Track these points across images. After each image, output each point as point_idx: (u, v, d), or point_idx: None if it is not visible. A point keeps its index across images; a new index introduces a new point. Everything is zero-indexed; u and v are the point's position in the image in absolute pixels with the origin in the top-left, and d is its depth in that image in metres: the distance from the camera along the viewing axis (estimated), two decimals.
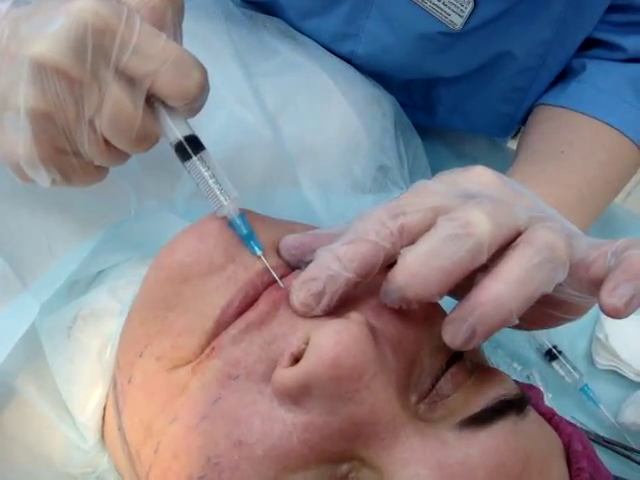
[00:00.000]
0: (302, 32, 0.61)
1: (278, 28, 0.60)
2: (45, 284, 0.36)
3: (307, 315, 0.29)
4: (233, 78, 0.49)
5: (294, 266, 0.33)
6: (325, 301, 0.28)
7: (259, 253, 0.32)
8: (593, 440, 0.57)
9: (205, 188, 0.33)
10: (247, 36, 0.55)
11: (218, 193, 0.32)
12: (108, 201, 0.40)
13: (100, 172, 0.35)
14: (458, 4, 0.52)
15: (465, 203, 0.28)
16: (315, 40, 0.61)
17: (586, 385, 0.61)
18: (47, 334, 0.35)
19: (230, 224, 0.32)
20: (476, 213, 0.27)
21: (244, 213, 0.33)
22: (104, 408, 0.35)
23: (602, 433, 0.60)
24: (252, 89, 0.49)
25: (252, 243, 0.32)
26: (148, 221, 0.40)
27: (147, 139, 0.33)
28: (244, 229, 0.32)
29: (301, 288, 0.28)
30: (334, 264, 0.28)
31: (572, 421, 0.36)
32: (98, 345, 0.35)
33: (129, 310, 0.34)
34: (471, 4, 0.51)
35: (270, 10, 0.62)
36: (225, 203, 0.32)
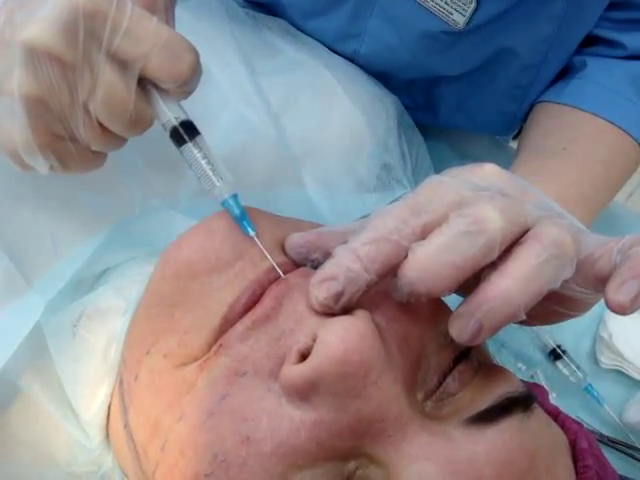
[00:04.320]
0: (305, 32, 0.61)
1: (281, 28, 0.60)
2: (50, 283, 0.36)
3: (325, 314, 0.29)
4: (237, 77, 0.49)
5: (299, 264, 0.33)
6: (344, 301, 0.28)
7: (252, 233, 0.32)
8: (597, 439, 0.57)
9: (198, 170, 0.33)
10: (250, 35, 0.55)
11: (211, 174, 0.33)
12: (113, 199, 0.40)
13: (98, 158, 0.35)
14: (460, 3, 0.52)
15: (478, 198, 0.28)
16: (318, 40, 0.61)
17: (590, 384, 0.61)
18: (52, 333, 0.35)
19: (223, 204, 0.32)
20: (489, 209, 0.27)
21: (237, 194, 0.33)
22: (109, 406, 0.35)
23: (606, 432, 0.60)
24: (256, 88, 0.49)
25: (245, 223, 0.32)
26: (153, 219, 0.40)
27: (141, 122, 0.33)
28: (236, 209, 0.32)
29: (320, 287, 0.28)
30: (354, 264, 0.27)
31: (577, 420, 0.36)
32: (103, 343, 0.35)
33: (135, 308, 0.34)
34: (473, 3, 0.52)
35: (273, 11, 0.62)
36: (218, 184, 0.32)
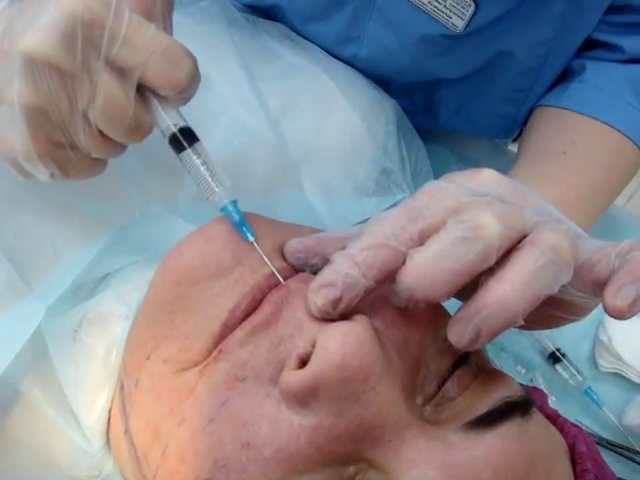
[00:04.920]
0: (304, 36, 0.61)
1: (280, 32, 0.60)
2: (50, 287, 0.36)
3: (324, 319, 0.29)
4: (236, 82, 0.49)
5: (299, 269, 0.33)
6: (342, 307, 0.28)
7: (251, 239, 0.32)
8: (597, 442, 0.57)
9: (197, 176, 0.33)
10: (250, 40, 0.56)
11: (210, 180, 0.33)
12: (113, 205, 0.41)
13: (98, 164, 0.35)
14: (459, 7, 0.52)
15: (475, 204, 0.28)
16: (317, 44, 0.61)
17: (590, 388, 0.61)
18: (53, 337, 0.35)
19: (222, 210, 0.33)
20: (486, 215, 0.27)
21: (237, 200, 0.33)
22: (109, 411, 0.35)
23: (606, 435, 0.60)
24: (255, 93, 0.49)
25: (244, 229, 0.32)
26: (153, 225, 0.41)
27: (140, 129, 0.33)
28: (236, 215, 0.32)
29: (318, 293, 0.28)
30: (352, 270, 0.27)
31: (576, 423, 0.36)
32: (104, 349, 0.35)
33: (136, 313, 0.34)
34: (472, 7, 0.52)
35: (272, 15, 0.62)
36: (217, 190, 0.33)
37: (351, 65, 0.61)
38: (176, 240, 0.33)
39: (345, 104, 0.53)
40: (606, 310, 0.26)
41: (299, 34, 0.61)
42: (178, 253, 0.32)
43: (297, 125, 0.50)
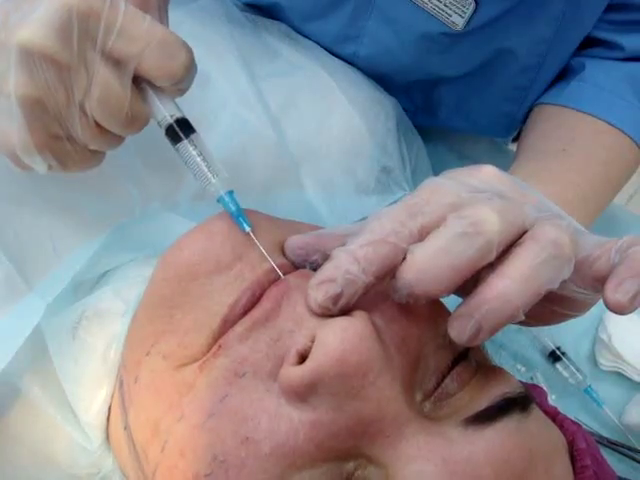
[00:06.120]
0: (304, 35, 0.61)
1: (280, 31, 0.60)
2: (50, 285, 0.36)
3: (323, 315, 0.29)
4: (237, 80, 0.49)
5: (298, 266, 0.33)
6: (342, 303, 0.28)
7: (247, 230, 0.32)
8: (597, 441, 0.57)
9: (194, 167, 0.33)
10: (250, 38, 0.56)
11: (206, 171, 0.33)
12: (112, 202, 0.41)
13: (96, 156, 0.35)
14: (459, 5, 0.52)
15: (475, 200, 0.28)
16: (317, 42, 0.61)
17: (590, 386, 0.61)
18: (52, 335, 0.35)
19: (218, 201, 0.33)
20: (486, 211, 0.27)
21: (233, 191, 0.33)
22: (109, 408, 0.35)
23: (606, 434, 0.60)
24: (255, 91, 0.49)
25: (241, 219, 0.32)
26: (152, 222, 0.41)
27: (137, 120, 0.33)
28: (232, 206, 0.32)
29: (318, 289, 0.28)
30: (353, 266, 0.27)
31: (575, 421, 0.36)
32: (103, 345, 0.35)
33: (135, 309, 0.34)
34: (472, 5, 0.52)
35: (272, 14, 0.62)
36: (213, 180, 0.33)
37: (351, 63, 0.61)
38: (175, 237, 0.33)
39: (345, 102, 0.53)
40: (607, 305, 0.26)
41: (299, 32, 0.61)
42: (178, 249, 0.32)
43: (297, 123, 0.50)
